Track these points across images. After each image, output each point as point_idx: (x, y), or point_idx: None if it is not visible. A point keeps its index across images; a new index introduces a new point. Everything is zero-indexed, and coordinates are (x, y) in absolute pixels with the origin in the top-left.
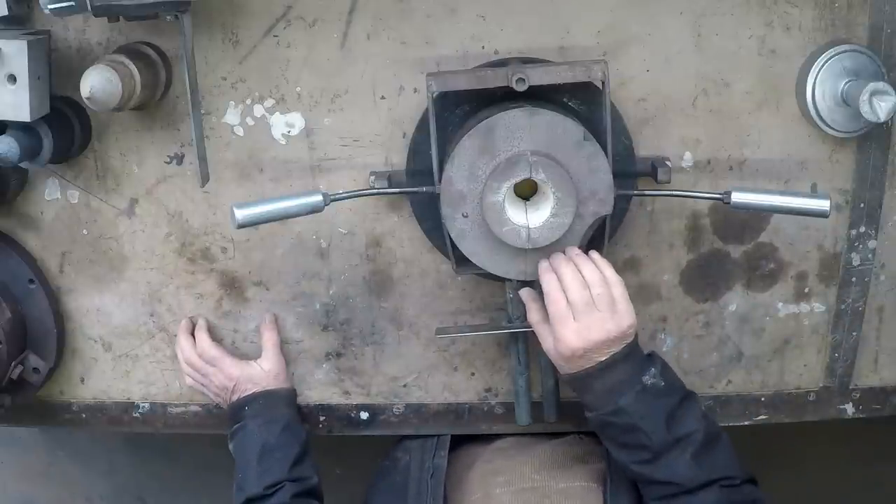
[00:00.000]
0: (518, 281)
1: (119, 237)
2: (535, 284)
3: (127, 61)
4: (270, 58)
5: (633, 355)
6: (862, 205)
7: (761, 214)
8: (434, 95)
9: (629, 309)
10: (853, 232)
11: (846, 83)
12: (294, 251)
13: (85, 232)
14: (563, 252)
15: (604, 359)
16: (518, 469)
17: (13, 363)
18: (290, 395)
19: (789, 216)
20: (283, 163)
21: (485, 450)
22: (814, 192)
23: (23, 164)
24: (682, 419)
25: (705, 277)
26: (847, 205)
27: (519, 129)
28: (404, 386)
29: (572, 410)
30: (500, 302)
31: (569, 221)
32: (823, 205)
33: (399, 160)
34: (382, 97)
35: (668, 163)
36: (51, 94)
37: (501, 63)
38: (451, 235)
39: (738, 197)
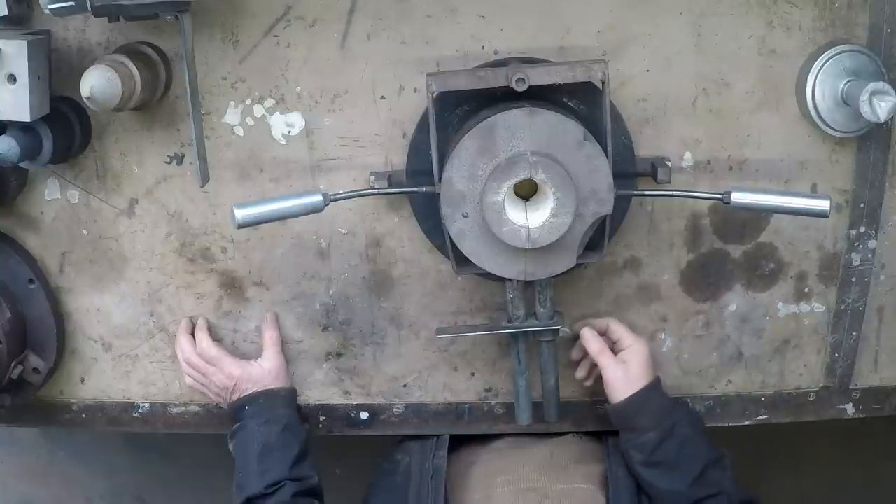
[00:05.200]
0: (518, 281)
1: (119, 237)
2: (535, 285)
3: (127, 61)
4: (270, 58)
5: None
6: (862, 205)
7: (761, 214)
8: (434, 95)
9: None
10: (853, 232)
11: (846, 83)
12: (294, 251)
13: (85, 232)
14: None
15: (651, 381)
16: (518, 469)
17: (13, 363)
18: (290, 395)
19: (789, 216)
20: (283, 163)
21: (484, 450)
22: (814, 193)
23: (23, 164)
24: (706, 436)
25: (705, 277)
26: (847, 205)
27: (519, 129)
28: (404, 386)
29: (572, 410)
30: (500, 302)
31: (569, 221)
32: (823, 205)
33: (399, 160)
34: (382, 97)
35: (668, 163)
36: (51, 94)
37: (501, 63)
38: (451, 235)
39: (738, 197)
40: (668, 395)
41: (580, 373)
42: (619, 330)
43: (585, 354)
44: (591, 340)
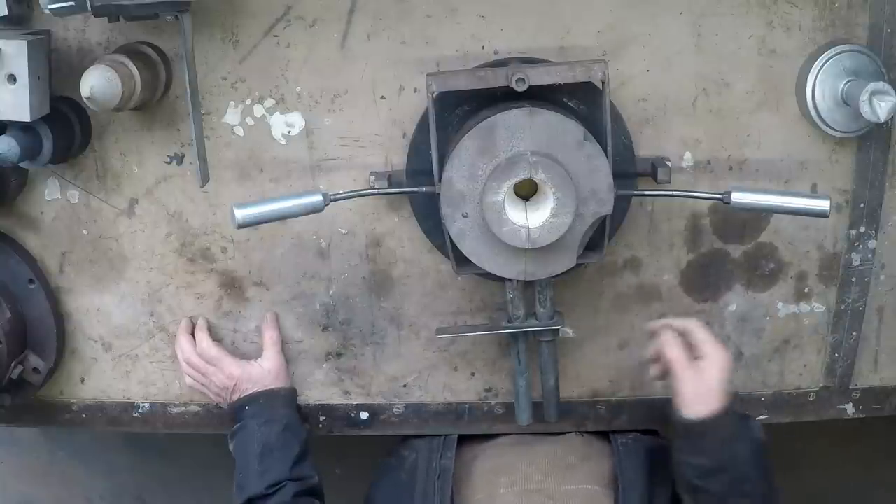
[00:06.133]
0: (518, 281)
1: (119, 237)
2: (535, 285)
3: (127, 61)
4: (270, 58)
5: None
6: (862, 205)
7: (761, 214)
8: (434, 95)
9: None
10: (853, 232)
11: (846, 83)
12: (294, 251)
13: (85, 232)
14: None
15: (725, 402)
16: (522, 469)
17: (13, 363)
18: (290, 395)
19: (789, 216)
20: (283, 163)
21: (486, 446)
22: (814, 193)
23: (23, 164)
24: (771, 470)
25: (705, 277)
26: (847, 205)
27: (519, 129)
28: (404, 386)
29: (572, 410)
30: (500, 302)
31: (569, 221)
32: (823, 205)
33: (399, 160)
34: (382, 97)
35: (668, 163)
36: (51, 94)
37: (501, 63)
38: (451, 235)
39: (738, 197)
40: (738, 419)
41: (653, 372)
42: (700, 334)
43: (660, 354)
44: (669, 345)
